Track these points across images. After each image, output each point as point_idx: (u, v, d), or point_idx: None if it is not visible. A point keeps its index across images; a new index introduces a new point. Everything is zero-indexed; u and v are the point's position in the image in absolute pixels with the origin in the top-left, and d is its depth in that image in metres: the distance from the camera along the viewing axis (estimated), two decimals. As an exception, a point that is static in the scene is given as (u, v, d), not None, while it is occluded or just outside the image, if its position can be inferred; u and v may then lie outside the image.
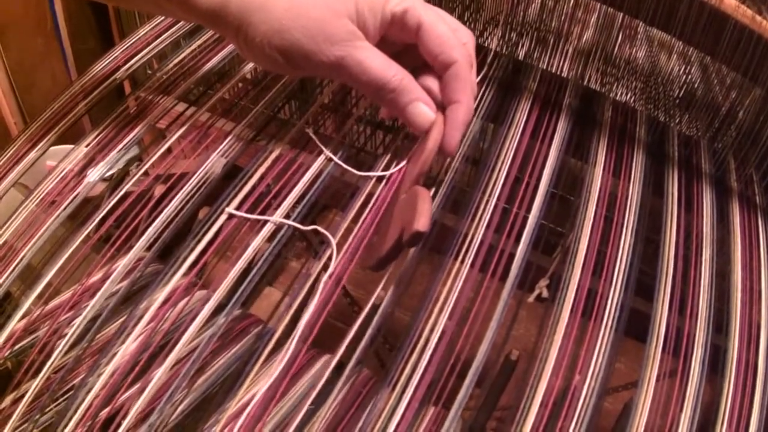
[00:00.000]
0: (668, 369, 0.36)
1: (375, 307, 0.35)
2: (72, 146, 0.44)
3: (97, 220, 0.40)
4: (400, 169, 0.37)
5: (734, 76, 0.39)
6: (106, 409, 0.33)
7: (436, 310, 0.34)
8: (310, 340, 0.33)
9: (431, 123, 0.35)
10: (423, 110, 0.35)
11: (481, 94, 0.43)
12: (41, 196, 0.41)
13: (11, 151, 0.44)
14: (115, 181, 0.43)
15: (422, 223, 0.31)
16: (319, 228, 0.35)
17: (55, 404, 0.38)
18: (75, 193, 0.41)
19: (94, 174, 0.42)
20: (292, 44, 0.32)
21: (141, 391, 0.32)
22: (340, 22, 0.32)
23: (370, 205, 0.37)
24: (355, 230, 0.36)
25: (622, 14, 0.39)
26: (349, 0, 0.32)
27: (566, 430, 0.32)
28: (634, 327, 0.37)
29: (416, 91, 0.35)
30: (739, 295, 0.39)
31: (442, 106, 0.36)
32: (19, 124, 0.91)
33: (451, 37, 0.34)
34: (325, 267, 0.34)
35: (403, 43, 0.35)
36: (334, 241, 0.35)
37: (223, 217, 0.36)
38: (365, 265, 0.37)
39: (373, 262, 0.36)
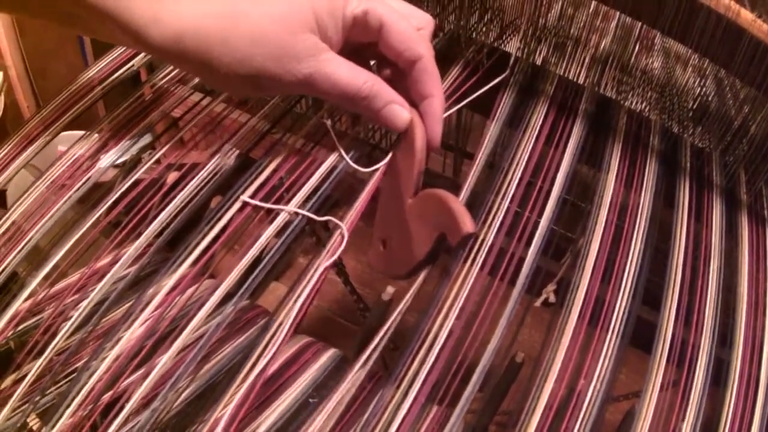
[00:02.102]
0: (671, 379, 0.36)
1: (386, 304, 0.35)
2: (85, 131, 0.44)
3: (108, 205, 0.40)
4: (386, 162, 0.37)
5: (748, 90, 0.40)
6: (109, 393, 0.33)
7: (444, 310, 0.34)
8: (297, 323, 0.32)
9: (407, 122, 0.35)
10: (398, 111, 0.35)
11: (501, 97, 0.44)
12: (52, 179, 0.41)
13: (23, 132, 0.44)
14: (126, 168, 0.43)
15: (470, 224, 0.32)
16: (333, 219, 0.35)
17: (56, 386, 0.38)
18: (86, 177, 0.41)
19: (106, 160, 0.42)
20: (258, 71, 0.32)
21: (145, 376, 0.32)
22: (301, 38, 0.32)
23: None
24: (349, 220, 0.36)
25: (640, 24, 0.40)
26: (306, 11, 0.32)
27: (570, 433, 0.32)
28: (638, 336, 0.37)
29: (389, 93, 0.35)
30: (744, 307, 0.39)
31: (413, 102, 0.36)
32: (32, 108, 0.91)
33: (414, 32, 0.34)
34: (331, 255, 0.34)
35: (363, 42, 0.35)
36: (346, 232, 0.35)
37: (236, 206, 0.36)
38: (394, 276, 0.37)
39: (405, 271, 0.36)
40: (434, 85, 0.35)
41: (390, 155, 0.38)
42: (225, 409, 0.29)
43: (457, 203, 0.33)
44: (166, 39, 0.30)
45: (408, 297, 0.35)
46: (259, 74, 0.32)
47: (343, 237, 0.35)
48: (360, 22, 0.33)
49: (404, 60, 0.34)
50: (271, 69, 0.32)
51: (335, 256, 0.34)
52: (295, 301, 0.33)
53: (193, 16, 0.30)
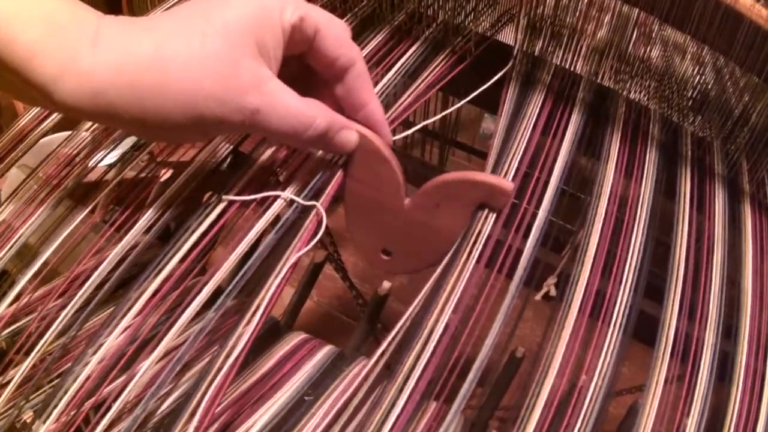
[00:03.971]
0: (675, 373, 0.35)
1: (382, 299, 0.34)
2: (76, 129, 0.43)
3: (99, 202, 0.39)
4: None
5: (748, 78, 0.39)
6: (93, 398, 0.32)
7: (440, 304, 0.34)
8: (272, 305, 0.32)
9: (356, 142, 0.34)
10: (347, 135, 0.33)
11: (506, 91, 0.43)
12: (43, 177, 0.41)
13: (15, 130, 0.44)
14: (118, 165, 0.43)
15: (509, 182, 0.34)
16: (317, 203, 0.35)
17: (49, 385, 0.37)
18: (77, 175, 0.40)
19: (97, 157, 0.42)
20: (202, 115, 0.28)
21: (132, 377, 0.31)
22: (244, 66, 0.28)
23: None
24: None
25: (637, 11, 0.39)
26: (245, 36, 0.28)
27: (571, 429, 0.31)
28: (641, 329, 0.36)
29: (337, 121, 0.32)
30: (749, 300, 0.38)
31: (344, 110, 0.34)
32: (27, 108, 0.91)
33: (347, 36, 0.32)
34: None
35: (292, 54, 0.32)
36: (322, 210, 0.34)
37: (224, 203, 0.36)
38: (421, 268, 0.38)
39: (437, 257, 0.36)
40: (369, 90, 0.33)
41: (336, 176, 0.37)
42: (204, 395, 0.29)
43: (482, 174, 0.34)
44: (83, 97, 0.25)
45: (419, 299, 0.35)
46: (202, 119, 0.28)
47: (319, 216, 0.34)
48: (297, 31, 0.30)
49: (338, 66, 0.32)
50: (215, 110, 0.28)
51: (316, 239, 0.34)
52: (271, 283, 0.32)
53: (114, 67, 0.26)
